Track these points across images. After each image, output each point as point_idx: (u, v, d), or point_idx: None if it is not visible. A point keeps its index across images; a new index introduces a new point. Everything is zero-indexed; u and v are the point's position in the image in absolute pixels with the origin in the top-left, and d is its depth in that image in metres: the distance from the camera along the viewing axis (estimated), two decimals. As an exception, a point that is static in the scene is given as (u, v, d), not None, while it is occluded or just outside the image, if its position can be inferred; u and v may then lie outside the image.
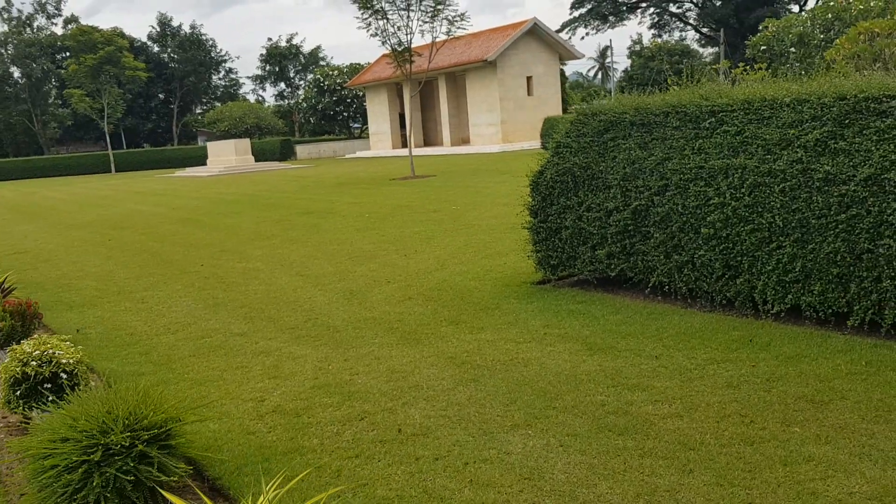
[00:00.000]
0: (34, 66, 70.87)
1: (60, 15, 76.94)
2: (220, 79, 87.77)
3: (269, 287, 9.23)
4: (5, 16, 72.97)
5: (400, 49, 27.11)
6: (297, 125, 79.36)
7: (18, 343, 6.73)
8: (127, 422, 3.85)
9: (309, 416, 4.97)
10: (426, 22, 26.54)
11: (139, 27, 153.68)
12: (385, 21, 26.50)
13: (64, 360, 5.18)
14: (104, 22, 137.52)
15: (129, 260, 12.17)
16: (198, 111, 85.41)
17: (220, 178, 35.62)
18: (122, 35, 68.55)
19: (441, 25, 26.72)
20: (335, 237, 12.96)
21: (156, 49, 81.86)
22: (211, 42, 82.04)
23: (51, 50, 72.14)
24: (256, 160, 50.51)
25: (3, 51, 72.21)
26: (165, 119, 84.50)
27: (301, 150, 61.67)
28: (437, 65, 44.05)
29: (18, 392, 5.09)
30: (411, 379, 5.53)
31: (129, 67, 57.79)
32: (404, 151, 38.16)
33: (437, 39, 27.55)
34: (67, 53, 67.99)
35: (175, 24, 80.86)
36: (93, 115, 60.44)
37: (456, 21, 26.51)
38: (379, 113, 52.65)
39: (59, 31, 75.12)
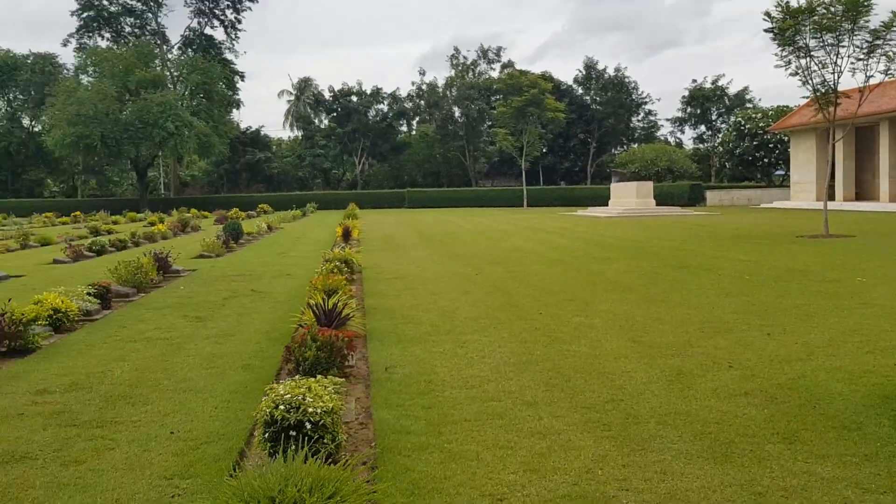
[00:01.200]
0: (472, 106, 79.14)
1: (499, 61, 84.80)
2: (638, 121, 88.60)
3: (591, 350, 8.25)
4: (454, 62, 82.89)
5: (823, 90, 23.91)
6: (714, 170, 76.29)
7: (324, 374, 6.79)
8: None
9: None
10: (859, 59, 23.00)
11: (570, 72, 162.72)
12: (808, 59, 23.61)
13: (311, 409, 4.89)
14: (542, 67, 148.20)
15: (480, 298, 12.15)
16: (614, 152, 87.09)
17: (615, 221, 35.32)
18: (548, 79, 73.13)
19: (878, 63, 22.94)
20: (696, 300, 11.43)
21: (580, 91, 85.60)
22: (633, 84, 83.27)
23: (486, 92, 79.90)
24: (663, 204, 49.48)
25: (448, 93, 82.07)
26: (582, 158, 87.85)
27: (711, 196, 58.94)
28: (876, 108, 38.46)
29: (266, 434, 4.93)
30: (689, 517, 4.15)
31: (550, 109, 61.11)
32: (830, 204, 33.98)
33: (872, 81, 23.70)
34: (499, 96, 74.42)
35: (601, 67, 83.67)
36: (513, 153, 65.21)
37: (897, 58, 22.53)
38: (804, 160, 47.96)
39: (495, 75, 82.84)
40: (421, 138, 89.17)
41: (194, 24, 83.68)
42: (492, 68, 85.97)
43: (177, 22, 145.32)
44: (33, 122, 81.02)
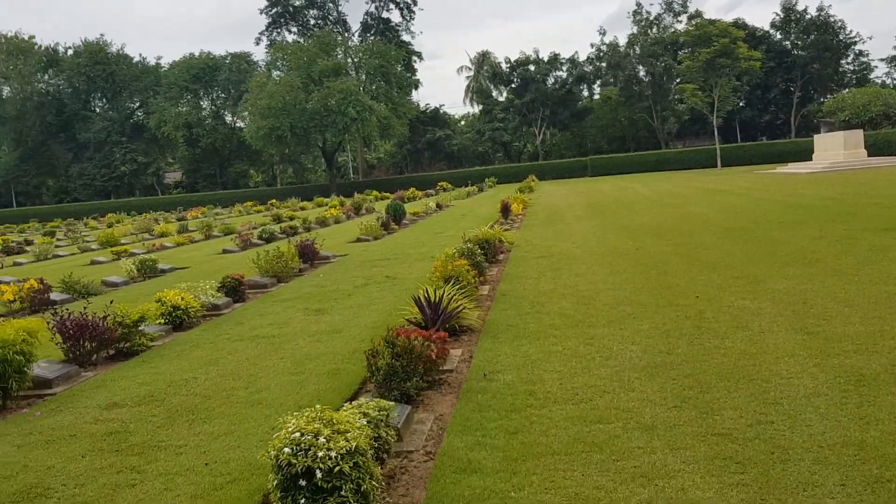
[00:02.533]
0: (657, 64, 74.62)
1: (686, 12, 79.14)
2: (848, 63, 79.29)
3: (748, 347, 6.54)
4: (636, 18, 78.50)
5: None
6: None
7: (402, 385, 5.76)
8: None
9: None
10: None
11: (768, 17, 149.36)
12: None
13: (322, 454, 3.81)
14: (738, 15, 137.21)
15: (630, 278, 10.55)
16: (821, 101, 78.85)
17: (817, 177, 31.33)
18: (741, 26, 67.19)
19: None
20: (901, 272, 9.14)
21: (778, 37, 78.11)
22: (839, 24, 74.46)
23: (673, 47, 74.84)
24: (878, 154, 43.95)
25: (631, 52, 77.96)
26: (784, 110, 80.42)
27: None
28: None
29: (276, 482, 3.93)
30: None
31: (744, 58, 55.88)
32: None
33: None
34: (686, 50, 69.42)
35: (800, 7, 75.65)
36: (704, 110, 60.60)
37: None
38: None
39: (682, 28, 77.41)
40: (604, 102, 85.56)
41: (372, 9, 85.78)
42: (678, 21, 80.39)
43: (357, 8, 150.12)
44: (234, 118, 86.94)
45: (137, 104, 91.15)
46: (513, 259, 13.86)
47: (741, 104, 79.19)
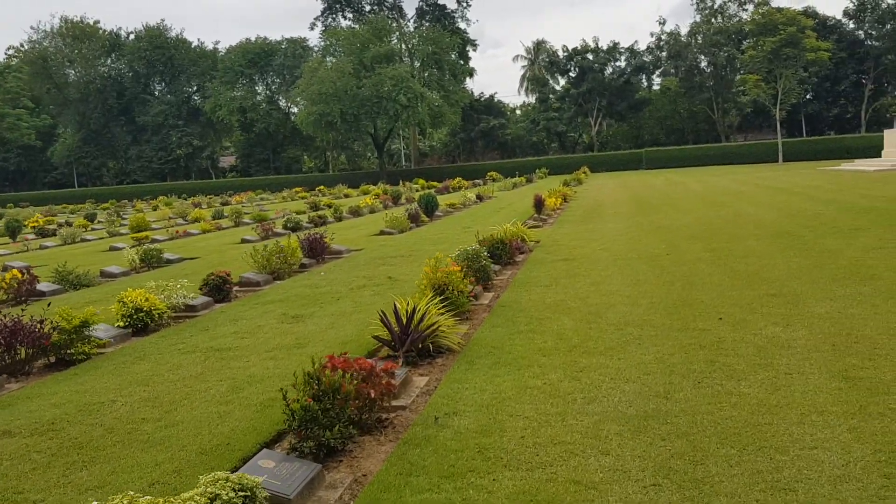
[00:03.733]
0: (720, 53, 71.67)
1: (752, 1, 75.80)
2: (927, 54, 74.79)
3: (768, 394, 5.25)
4: (700, 6, 75.53)
5: None
6: None
7: (326, 433, 4.69)
8: None
9: None
10: None
11: (840, 5, 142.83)
12: None
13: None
14: (808, 3, 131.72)
15: (649, 290, 9.24)
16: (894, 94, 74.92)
17: (886, 175, 29.09)
18: (810, 15, 63.97)
19: None
20: (974, 297, 7.64)
21: (850, 26, 74.21)
22: (919, 12, 70.14)
23: (737, 37, 71.73)
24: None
25: (692, 40, 75.08)
26: (854, 103, 76.62)
27: None
28: None
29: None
30: None
31: (811, 49, 52.94)
32: None
33: None
34: (751, 40, 66.38)
35: (877, -6, 71.49)
36: (767, 102, 57.80)
37: None
38: None
39: (747, 17, 74.15)
40: (662, 93, 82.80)
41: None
42: (743, 9, 76.96)
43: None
44: (288, 104, 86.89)
45: (195, 88, 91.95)
46: (531, 261, 12.63)
47: (808, 97, 75.64)
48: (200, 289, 10.84)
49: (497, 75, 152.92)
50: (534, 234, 16.39)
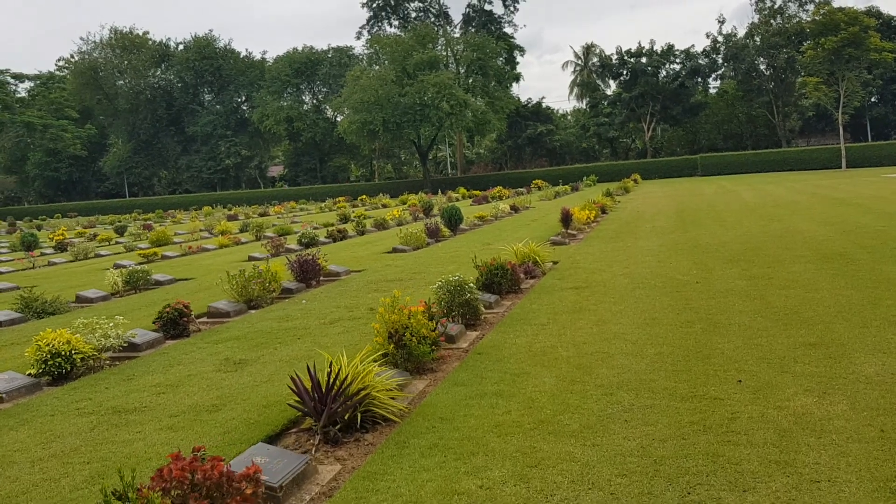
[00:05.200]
0: (779, 55, 68.55)
1: (813, 1, 72.43)
2: None
3: (791, 485, 3.65)
4: (758, 6, 72.50)
5: None
6: None
7: None
8: None
9: None
10: None
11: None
12: None
13: None
14: (874, 2, 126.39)
15: (661, 335, 7.61)
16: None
17: (960, 183, 26.53)
18: (874, 14, 60.66)
19: None
20: None
21: (921, 25, 70.23)
22: None
23: (797, 38, 68.49)
24: None
25: (750, 42, 72.02)
26: (929, 106, 72.56)
27: None
28: None
29: None
30: None
31: (875, 49, 49.84)
32: None
33: None
34: (811, 41, 63.27)
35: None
36: (828, 105, 54.72)
37: None
38: None
39: (807, 17, 70.87)
40: (720, 97, 79.80)
41: (474, 0, 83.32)
42: (804, 10, 73.58)
43: (462, 1, 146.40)
44: (335, 113, 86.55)
45: (243, 98, 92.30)
46: (538, 289, 11.06)
47: (873, 99, 71.94)
48: (154, 322, 9.59)
49: (554, 81, 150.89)
50: (554, 253, 14.82)
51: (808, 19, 68.03)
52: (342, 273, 14.28)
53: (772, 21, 72.37)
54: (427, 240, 19.32)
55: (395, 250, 17.98)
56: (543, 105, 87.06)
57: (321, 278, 13.66)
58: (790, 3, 72.63)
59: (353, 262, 16.25)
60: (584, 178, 57.75)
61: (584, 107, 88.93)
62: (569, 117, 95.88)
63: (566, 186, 48.11)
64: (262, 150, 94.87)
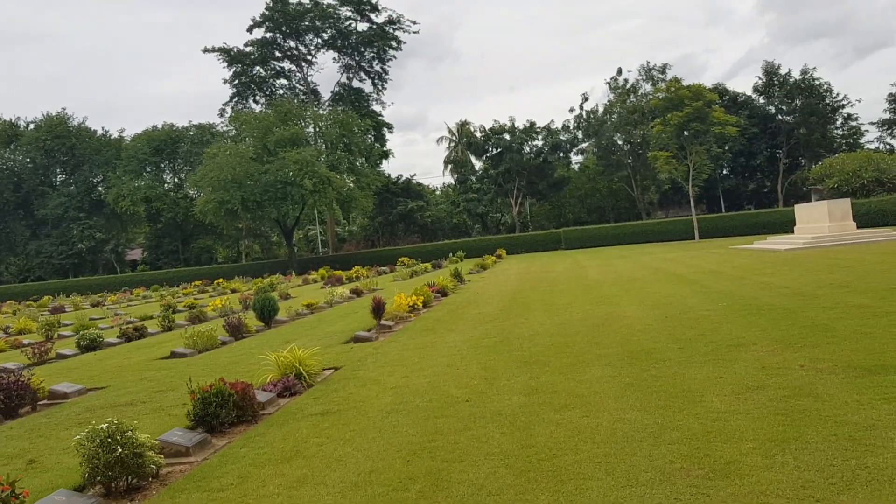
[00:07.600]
0: (634, 131, 70.83)
1: (664, 79, 75.70)
2: (837, 129, 75.16)
3: None
4: (612, 85, 75.11)
5: None
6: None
7: None
8: None
9: None
10: None
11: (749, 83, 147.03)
12: None
13: None
14: (735, 86, 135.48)
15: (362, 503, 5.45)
16: (810, 167, 74.77)
17: (797, 255, 26.40)
18: (719, 91, 63.63)
19: None
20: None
21: (761, 101, 74.45)
22: (825, 87, 70.70)
23: (651, 115, 71.06)
24: (870, 225, 39.90)
25: (608, 119, 74.23)
26: (771, 178, 76.51)
27: (937, 211, 46.75)
28: None
29: None
30: None
31: (718, 123, 51.63)
32: None
33: None
34: (659, 115, 65.60)
35: (783, 71, 72.04)
36: (679, 178, 56.17)
37: None
38: None
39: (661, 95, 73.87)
40: (582, 171, 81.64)
41: (343, 79, 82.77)
42: (656, 88, 76.70)
43: (331, 78, 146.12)
44: (196, 192, 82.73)
45: (99, 178, 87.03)
46: (283, 414, 8.77)
47: (725, 172, 75.29)
48: None
49: (437, 158, 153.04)
50: (345, 354, 12.65)
51: (660, 96, 70.83)
52: (72, 394, 11.53)
53: (626, 99, 74.97)
54: (221, 339, 16.74)
55: (173, 354, 15.30)
56: (414, 181, 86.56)
57: (38, 404, 10.89)
58: (642, 83, 75.58)
59: (109, 372, 13.52)
60: (451, 254, 56.53)
61: (454, 182, 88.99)
62: (438, 193, 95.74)
63: (426, 264, 46.51)
64: (119, 233, 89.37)
